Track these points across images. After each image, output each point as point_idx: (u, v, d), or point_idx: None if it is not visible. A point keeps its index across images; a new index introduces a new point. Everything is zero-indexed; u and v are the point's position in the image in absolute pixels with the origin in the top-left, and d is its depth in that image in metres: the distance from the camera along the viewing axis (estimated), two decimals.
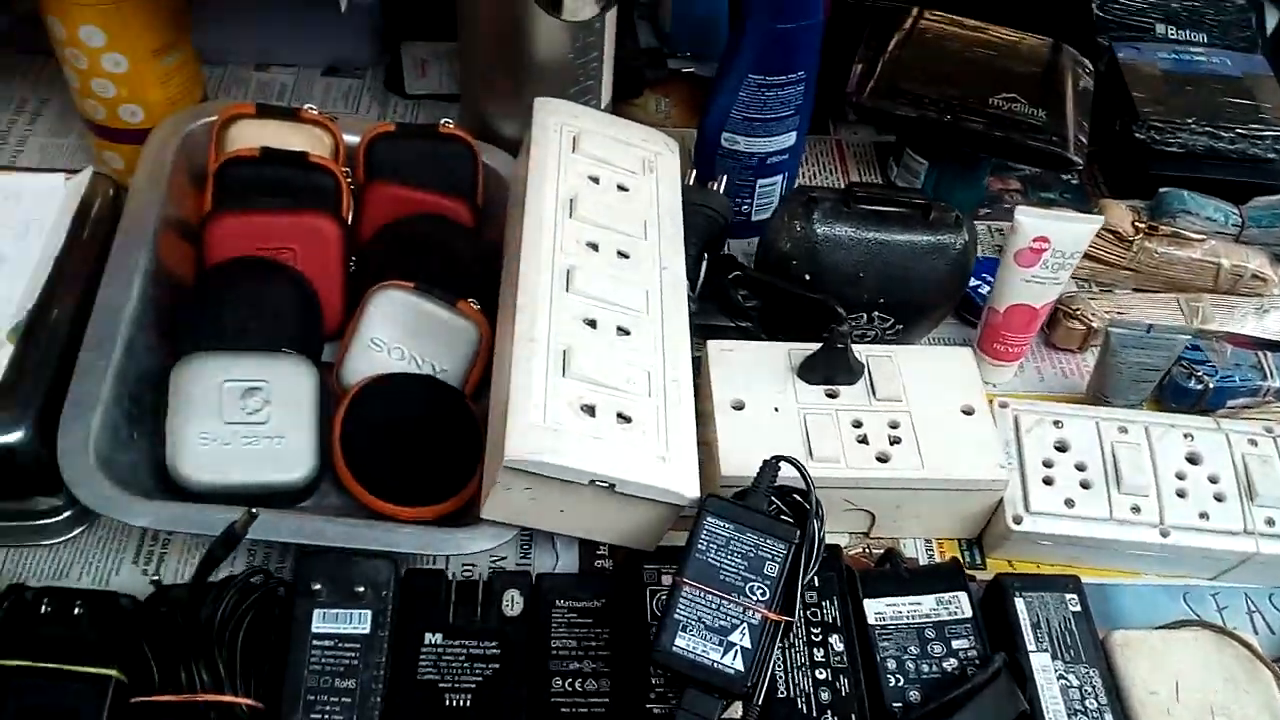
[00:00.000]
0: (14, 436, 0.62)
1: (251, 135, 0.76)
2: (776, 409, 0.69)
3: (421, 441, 0.68)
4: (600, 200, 0.72)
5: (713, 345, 0.71)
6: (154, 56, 0.76)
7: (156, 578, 0.63)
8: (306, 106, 0.77)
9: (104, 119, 0.78)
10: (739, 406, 0.69)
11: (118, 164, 0.81)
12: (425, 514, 0.66)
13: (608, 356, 0.64)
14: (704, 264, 0.78)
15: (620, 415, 0.61)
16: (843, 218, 0.73)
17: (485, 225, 0.80)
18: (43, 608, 0.56)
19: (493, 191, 0.81)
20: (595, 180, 0.73)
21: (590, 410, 0.61)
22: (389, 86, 0.96)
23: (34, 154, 0.86)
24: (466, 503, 0.67)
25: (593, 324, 0.65)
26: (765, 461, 0.60)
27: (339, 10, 0.80)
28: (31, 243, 0.71)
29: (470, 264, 0.75)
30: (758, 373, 0.70)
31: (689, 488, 0.60)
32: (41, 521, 0.66)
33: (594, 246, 0.69)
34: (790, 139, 0.82)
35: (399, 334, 0.71)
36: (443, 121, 0.80)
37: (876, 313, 0.76)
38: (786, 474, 0.60)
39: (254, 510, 0.56)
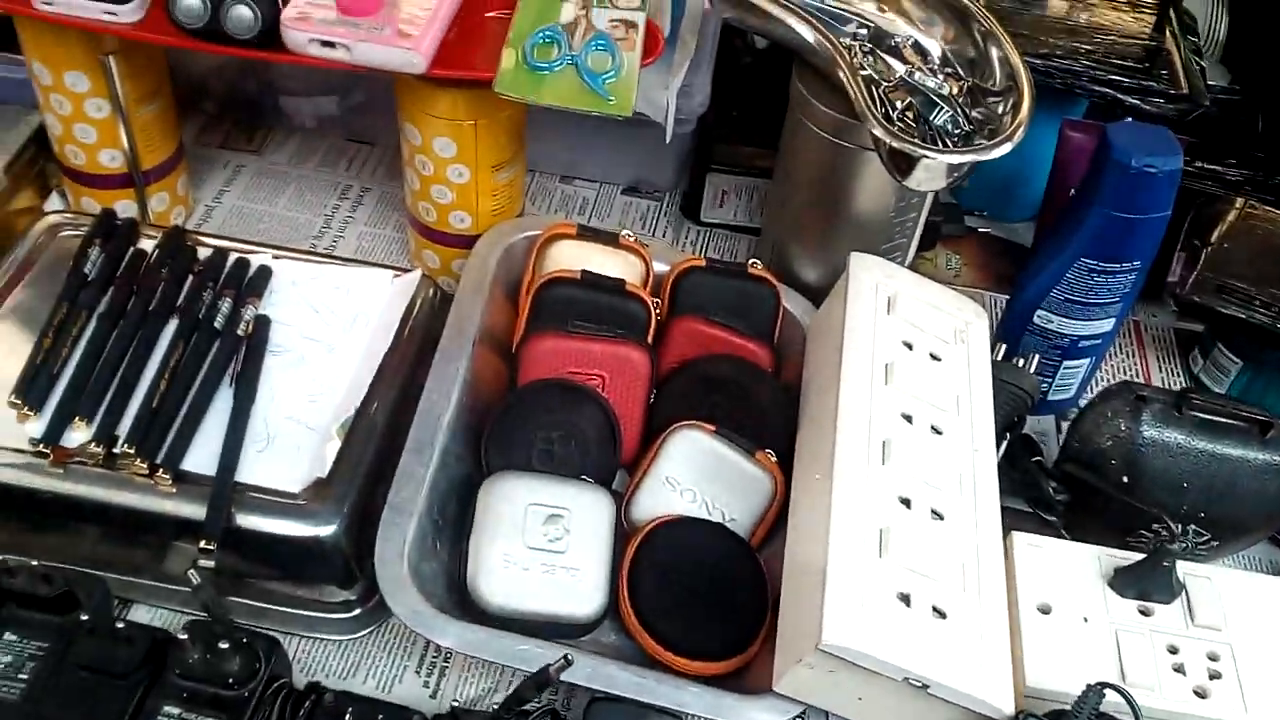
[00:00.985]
0: (328, 530, 0.64)
1: (570, 255, 0.78)
2: (1086, 619, 0.65)
3: (709, 592, 0.67)
4: (915, 368, 0.70)
5: (1019, 539, 0.68)
6: (493, 171, 0.78)
7: (456, 702, 0.63)
8: (624, 233, 0.79)
9: (433, 222, 0.81)
10: (1045, 610, 0.65)
11: (434, 263, 0.84)
12: (708, 670, 0.64)
13: (924, 541, 0.61)
14: (1004, 444, 0.75)
15: (935, 608, 0.59)
16: (1174, 423, 0.69)
17: (780, 370, 0.79)
18: (346, 717, 0.56)
19: (787, 334, 0.80)
20: (909, 346, 0.71)
21: (906, 599, 0.58)
22: (685, 211, 0.98)
23: (352, 240, 0.90)
24: (747, 663, 0.65)
25: (907, 503, 0.63)
26: (1089, 687, 0.56)
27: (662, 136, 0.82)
28: (359, 336, 0.73)
29: (768, 411, 0.74)
30: (1066, 575, 0.67)
31: (1005, 701, 0.57)
32: (332, 615, 0.67)
33: (908, 418, 0.67)
34: (1109, 324, 0.79)
35: (694, 476, 0.71)
36: (751, 262, 0.80)
37: (1192, 526, 0.71)
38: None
39: (569, 656, 0.55)
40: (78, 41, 0.74)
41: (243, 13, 0.66)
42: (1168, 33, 0.90)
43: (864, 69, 0.71)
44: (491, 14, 0.76)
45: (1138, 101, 0.84)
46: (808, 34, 0.73)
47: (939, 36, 0.79)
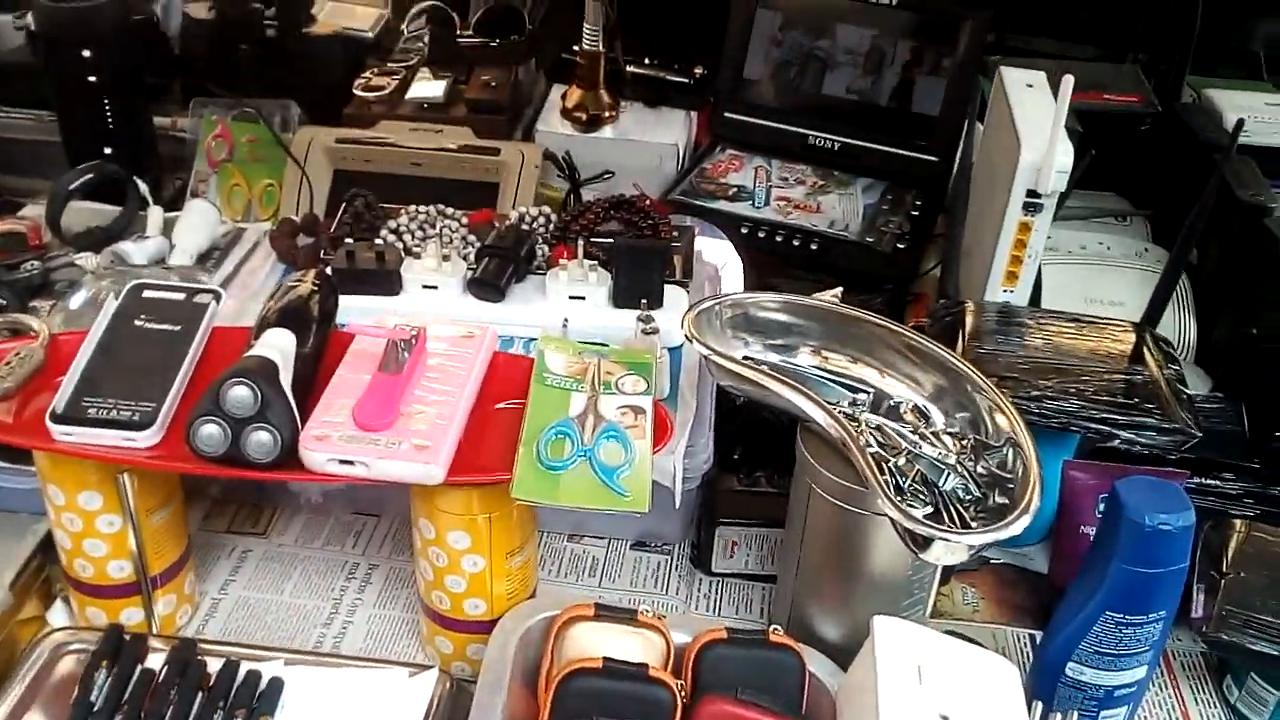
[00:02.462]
0: None
1: (588, 638, 0.76)
2: None
3: None
4: None
5: None
6: (507, 557, 0.78)
7: None
8: (642, 609, 0.78)
9: (447, 610, 0.80)
10: None
11: (447, 649, 0.82)
12: None
13: None
14: None
15: None
16: None
17: None
18: None
19: (814, 698, 0.78)
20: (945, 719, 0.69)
21: None
22: (695, 563, 0.97)
23: (362, 625, 0.89)
24: None
25: None
26: None
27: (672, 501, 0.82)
28: None
29: None
30: None
31: None
32: None
33: None
34: (1143, 671, 0.77)
35: None
36: (771, 628, 0.79)
37: None
38: None
39: None
40: (94, 465, 0.75)
41: (263, 438, 0.68)
42: (1149, 360, 0.94)
43: (871, 445, 0.73)
44: (502, 404, 0.78)
45: (1133, 436, 0.86)
46: (812, 411, 0.75)
47: (936, 397, 0.82)
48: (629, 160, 1.31)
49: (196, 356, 0.78)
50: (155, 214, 1.14)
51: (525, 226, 1.10)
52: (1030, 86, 1.08)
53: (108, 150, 1.19)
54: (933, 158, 1.28)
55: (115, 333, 0.79)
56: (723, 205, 1.24)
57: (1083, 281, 1.18)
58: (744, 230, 1.20)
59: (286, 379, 0.71)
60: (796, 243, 1.19)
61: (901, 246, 1.19)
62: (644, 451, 0.73)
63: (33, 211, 1.17)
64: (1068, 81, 0.93)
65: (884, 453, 0.73)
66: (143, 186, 1.16)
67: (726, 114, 1.36)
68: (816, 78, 1.33)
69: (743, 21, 1.34)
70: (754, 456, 0.98)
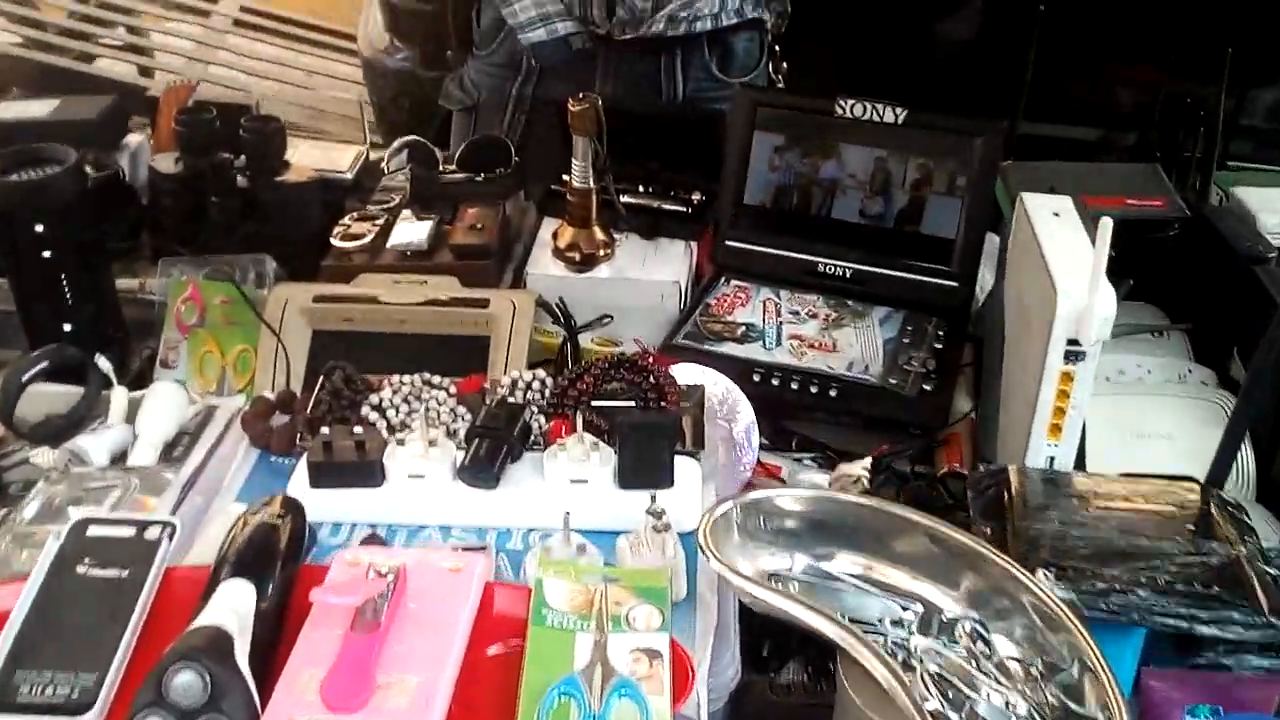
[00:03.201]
0: None
1: None
2: None
3: None
4: None
5: None
6: None
7: None
8: None
9: None
10: None
11: None
12: None
13: None
14: None
15: None
16: None
17: None
18: None
19: None
20: None
21: None
22: None
23: None
24: None
25: None
26: None
27: None
28: None
29: None
30: None
31: None
32: None
33: None
34: None
35: None
36: None
37: None
38: None
39: None
40: None
41: None
42: (1221, 530, 0.84)
43: (928, 699, 0.63)
44: (496, 648, 0.68)
45: (1217, 633, 0.75)
46: (857, 649, 0.65)
47: (987, 605, 0.72)
48: (628, 299, 1.23)
49: (146, 611, 0.68)
50: (119, 396, 1.05)
51: (518, 396, 1.01)
52: (1057, 215, 0.99)
53: (67, 327, 1.10)
54: (953, 283, 1.20)
55: (54, 585, 0.69)
56: (732, 349, 1.15)
57: (1127, 413, 1.09)
58: (756, 378, 1.11)
59: (243, 649, 0.61)
60: (814, 389, 1.10)
61: (928, 388, 1.10)
62: (662, 711, 0.62)
63: None
64: (1106, 226, 0.85)
65: (944, 708, 0.63)
66: (105, 365, 1.07)
67: (728, 242, 1.28)
68: (822, 201, 1.25)
69: (740, 145, 1.26)
70: (785, 649, 0.88)
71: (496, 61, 1.57)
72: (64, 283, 1.08)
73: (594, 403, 0.99)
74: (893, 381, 1.10)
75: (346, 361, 1.09)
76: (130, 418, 1.03)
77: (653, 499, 0.84)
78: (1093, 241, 0.89)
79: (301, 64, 3.57)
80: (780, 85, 1.64)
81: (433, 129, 2.38)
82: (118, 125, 1.41)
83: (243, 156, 1.26)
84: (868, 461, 0.93)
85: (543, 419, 0.98)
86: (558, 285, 1.22)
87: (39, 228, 1.05)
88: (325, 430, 0.92)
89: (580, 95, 1.15)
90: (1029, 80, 1.41)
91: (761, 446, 1.08)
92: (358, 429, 0.92)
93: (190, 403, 1.06)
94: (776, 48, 1.62)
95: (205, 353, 1.18)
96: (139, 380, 1.16)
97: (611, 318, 1.20)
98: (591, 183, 1.20)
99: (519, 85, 1.55)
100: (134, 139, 1.43)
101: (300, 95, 3.12)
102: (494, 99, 1.59)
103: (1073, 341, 0.89)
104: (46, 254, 1.06)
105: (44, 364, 1.01)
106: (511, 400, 1.00)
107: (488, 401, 0.98)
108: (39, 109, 1.39)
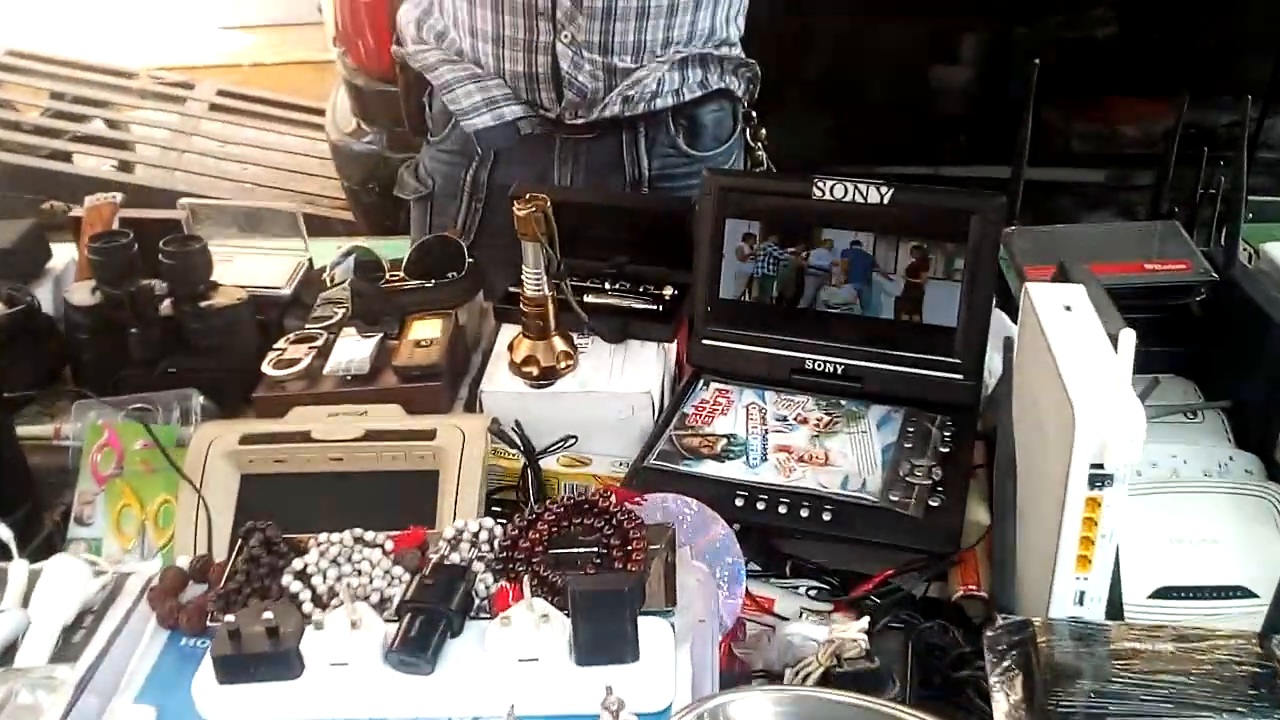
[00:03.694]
0: None
1: None
2: None
3: None
4: None
5: None
6: None
7: None
8: None
9: None
10: None
11: None
12: None
13: None
14: None
15: None
16: None
17: None
18: None
19: None
20: None
21: None
22: None
23: None
24: None
25: None
26: None
27: None
28: None
29: None
30: None
31: None
32: None
33: None
34: None
35: None
36: None
37: None
38: None
39: None
40: None
41: None
42: None
43: None
44: None
45: None
46: None
47: None
48: (596, 414, 1.10)
49: None
50: (16, 573, 0.92)
51: (464, 551, 0.88)
52: (1069, 310, 0.86)
53: None
54: (957, 376, 1.07)
55: None
56: (711, 469, 1.02)
57: (1162, 515, 0.96)
58: (740, 501, 0.98)
59: None
60: (805, 512, 0.97)
61: (935, 504, 0.96)
62: None
63: None
64: (1128, 339, 0.71)
65: None
66: (4, 533, 0.95)
67: (705, 341, 1.15)
68: (806, 291, 1.12)
69: (712, 234, 1.14)
70: None
71: (449, 148, 1.46)
72: None
73: (550, 552, 0.86)
74: (894, 498, 0.97)
75: (277, 510, 0.97)
76: (29, 597, 0.91)
77: (608, 691, 0.70)
78: (1114, 344, 0.76)
79: (282, 145, 3.51)
80: (762, 153, 1.53)
81: (405, 214, 2.29)
82: (38, 251, 1.30)
83: (163, 283, 1.14)
84: (864, 623, 0.79)
85: (490, 578, 0.85)
86: (517, 404, 1.10)
87: None
88: (230, 618, 0.79)
89: (525, 196, 1.03)
90: (1028, 134, 1.28)
91: (751, 573, 0.96)
92: (267, 614, 0.78)
93: (97, 573, 0.93)
94: (754, 115, 1.52)
95: (123, 506, 1.05)
96: (48, 543, 1.03)
97: (575, 438, 1.08)
98: (546, 289, 1.08)
99: (473, 171, 1.45)
100: (58, 264, 1.33)
101: (254, 192, 3.05)
102: (449, 187, 1.48)
103: (1097, 465, 0.75)
104: None
105: None
106: (453, 558, 0.87)
107: (427, 561, 0.85)
108: None
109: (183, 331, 1.14)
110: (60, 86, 3.53)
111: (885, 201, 1.07)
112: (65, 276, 1.31)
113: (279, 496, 1.02)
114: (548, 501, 0.92)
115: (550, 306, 1.09)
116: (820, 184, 1.09)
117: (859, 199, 1.08)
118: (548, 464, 1.08)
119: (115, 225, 1.29)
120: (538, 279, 1.07)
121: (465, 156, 1.45)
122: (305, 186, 3.26)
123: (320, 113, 3.68)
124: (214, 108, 3.57)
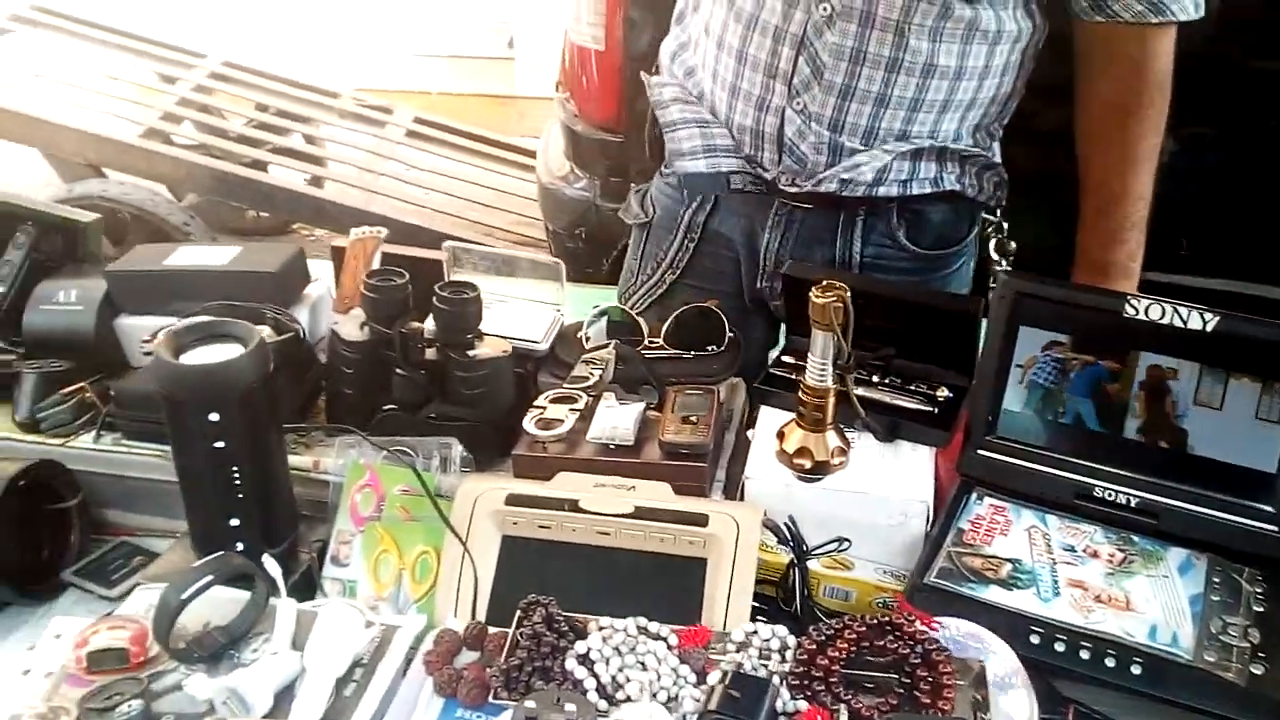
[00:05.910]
0: None
1: None
2: None
3: None
4: None
5: None
6: None
7: None
8: None
9: None
10: None
11: None
12: None
13: None
14: None
15: None
16: None
17: None
18: None
19: None
20: None
21: None
22: None
23: None
24: None
25: None
26: None
27: None
28: None
29: None
30: None
31: None
32: None
33: None
34: None
35: None
36: None
37: None
38: None
39: None
40: None
41: None
42: None
43: None
44: None
45: None
46: None
47: None
48: (865, 516, 1.04)
49: None
50: (285, 611, 0.91)
51: (751, 657, 0.83)
52: None
53: (234, 521, 0.98)
54: (1271, 528, 0.98)
55: None
56: (998, 596, 0.96)
57: None
58: (1035, 639, 0.91)
59: None
60: (1111, 661, 0.89)
61: (1258, 672, 0.88)
62: None
63: (143, 601, 0.95)
64: None
65: None
66: (273, 569, 0.94)
67: (982, 452, 1.09)
68: (1109, 416, 1.05)
69: (1001, 341, 1.08)
70: None
71: (674, 184, 1.44)
72: (234, 475, 0.96)
73: (845, 672, 0.81)
74: (1210, 659, 0.89)
75: (538, 577, 0.95)
76: (298, 636, 0.90)
77: None
78: None
79: (472, 177, 3.56)
80: (1001, 268, 1.46)
81: (608, 263, 2.28)
82: (299, 276, 1.31)
83: (433, 326, 1.13)
84: None
85: (786, 695, 0.80)
86: (781, 495, 1.05)
87: (213, 416, 0.93)
88: (530, 704, 0.75)
89: (824, 283, 0.99)
90: None
91: None
92: (570, 706, 0.75)
93: (366, 624, 0.91)
94: (1003, 225, 1.45)
95: (382, 552, 1.04)
96: (306, 580, 1.02)
97: (849, 542, 1.02)
98: (830, 381, 1.03)
99: (691, 212, 1.42)
100: (315, 290, 1.33)
101: (476, 229, 3.09)
102: (667, 220, 1.46)
103: None
104: (219, 444, 0.94)
105: (207, 579, 0.89)
106: (743, 662, 0.82)
107: (713, 663, 0.80)
108: (219, 256, 1.30)
109: (446, 378, 1.13)
110: (266, 99, 3.66)
111: (1209, 329, 1.00)
112: (320, 304, 1.31)
113: (539, 563, 0.99)
114: (845, 618, 0.86)
115: (831, 398, 1.04)
116: (1134, 303, 1.03)
117: (1178, 322, 1.01)
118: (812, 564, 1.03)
119: (377, 260, 1.29)
120: (823, 369, 1.02)
121: (686, 194, 1.42)
122: (491, 220, 3.29)
123: (509, 148, 3.75)
124: (410, 134, 3.65)
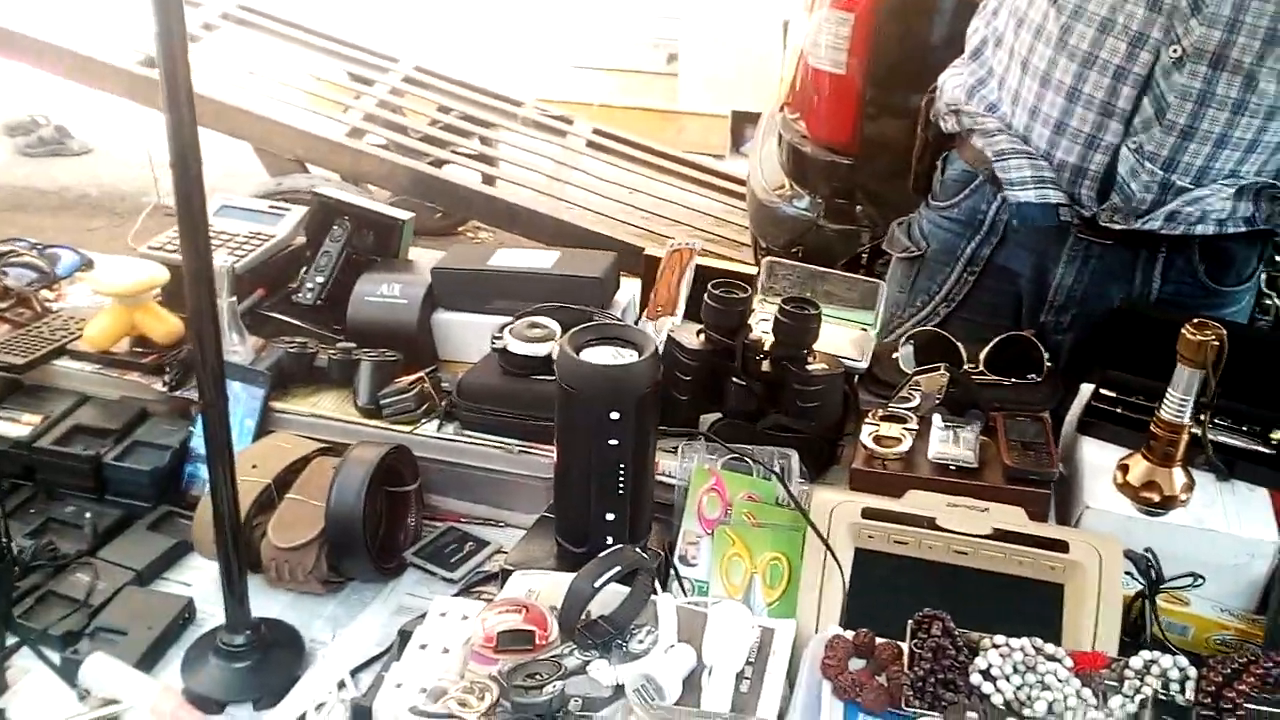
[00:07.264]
0: None
1: None
2: None
3: None
4: None
5: None
6: None
7: None
8: None
9: None
10: None
11: None
12: None
13: None
14: None
15: None
16: None
17: None
18: None
19: None
20: None
21: None
22: None
23: None
24: None
25: None
26: None
27: None
28: None
29: None
30: None
31: None
32: None
33: None
34: None
35: None
36: None
37: None
38: None
39: None
40: None
41: None
42: None
43: None
44: None
45: None
46: None
47: None
48: (1208, 554, 1.05)
49: None
50: (666, 605, 0.96)
51: (1149, 684, 0.85)
52: None
53: (610, 516, 1.02)
54: None
55: None
56: None
57: None
58: None
59: None
60: None
61: None
62: None
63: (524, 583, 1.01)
64: None
65: None
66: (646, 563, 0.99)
67: None
68: None
69: None
70: None
71: (954, 216, 1.45)
72: (620, 471, 1.00)
73: (1249, 706, 0.82)
74: None
75: (890, 591, 0.98)
76: (680, 630, 0.94)
77: None
78: None
79: (646, 188, 3.63)
80: (1275, 302, 1.45)
81: None
82: (614, 283, 1.37)
83: (771, 339, 1.17)
84: None
85: None
86: (1121, 527, 1.06)
87: (614, 414, 0.98)
88: (973, 715, 0.78)
89: (1198, 322, 1.00)
90: None
91: None
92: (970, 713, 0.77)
93: (752, 627, 0.95)
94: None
95: (732, 555, 1.08)
96: (661, 576, 1.07)
97: (1204, 579, 1.03)
98: (1188, 418, 1.04)
99: (975, 245, 1.43)
100: (624, 297, 1.39)
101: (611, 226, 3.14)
102: (943, 254, 1.47)
103: None
104: (613, 441, 0.99)
105: (615, 569, 0.93)
106: (1144, 691, 0.84)
107: (1141, 697, 0.82)
108: (540, 260, 1.36)
109: (782, 390, 1.17)
110: (453, 104, 3.77)
111: None
112: (628, 310, 1.37)
113: (892, 577, 1.02)
114: (1249, 649, 0.88)
115: (1185, 435, 1.05)
116: None
117: None
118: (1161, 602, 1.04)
119: (690, 272, 1.34)
120: (1183, 405, 1.03)
121: (969, 228, 1.43)
122: (670, 232, 3.35)
123: (681, 161, 3.80)
124: (590, 144, 3.72)
